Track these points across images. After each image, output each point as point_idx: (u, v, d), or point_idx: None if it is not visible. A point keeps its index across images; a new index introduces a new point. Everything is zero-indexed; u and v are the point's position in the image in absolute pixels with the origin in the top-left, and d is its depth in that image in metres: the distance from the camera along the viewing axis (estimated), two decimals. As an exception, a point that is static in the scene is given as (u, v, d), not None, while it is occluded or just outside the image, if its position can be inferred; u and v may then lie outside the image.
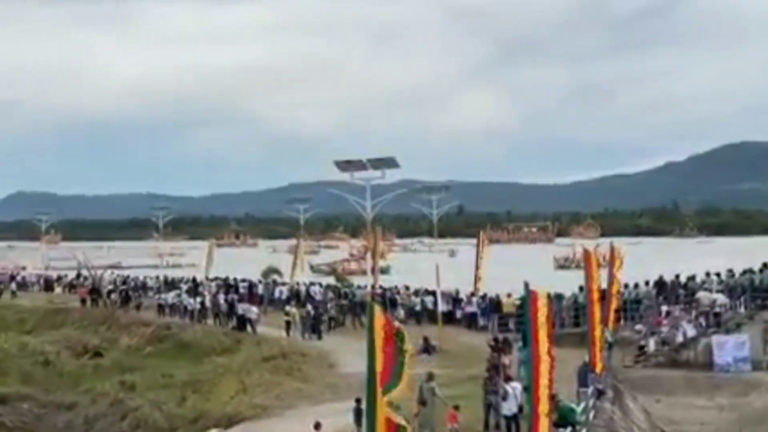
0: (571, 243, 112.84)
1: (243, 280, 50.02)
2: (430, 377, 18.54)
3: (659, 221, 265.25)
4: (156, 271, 63.19)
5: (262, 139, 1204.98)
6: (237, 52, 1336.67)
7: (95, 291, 50.15)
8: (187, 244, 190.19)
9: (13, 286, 59.28)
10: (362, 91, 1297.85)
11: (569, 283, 35.85)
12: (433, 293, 37.71)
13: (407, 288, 42.79)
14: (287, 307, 39.35)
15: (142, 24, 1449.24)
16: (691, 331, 27.76)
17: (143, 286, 54.46)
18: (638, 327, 30.14)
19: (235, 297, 42.80)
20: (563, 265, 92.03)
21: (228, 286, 48.36)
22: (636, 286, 33.22)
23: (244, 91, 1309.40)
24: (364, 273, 54.23)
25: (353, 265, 78.37)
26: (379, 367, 9.00)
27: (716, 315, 28.63)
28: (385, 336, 9.08)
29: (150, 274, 59.31)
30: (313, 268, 64.78)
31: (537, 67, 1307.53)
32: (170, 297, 45.66)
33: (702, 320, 28.50)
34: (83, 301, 49.75)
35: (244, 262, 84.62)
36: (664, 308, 31.04)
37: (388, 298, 41.01)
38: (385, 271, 60.04)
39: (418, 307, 39.62)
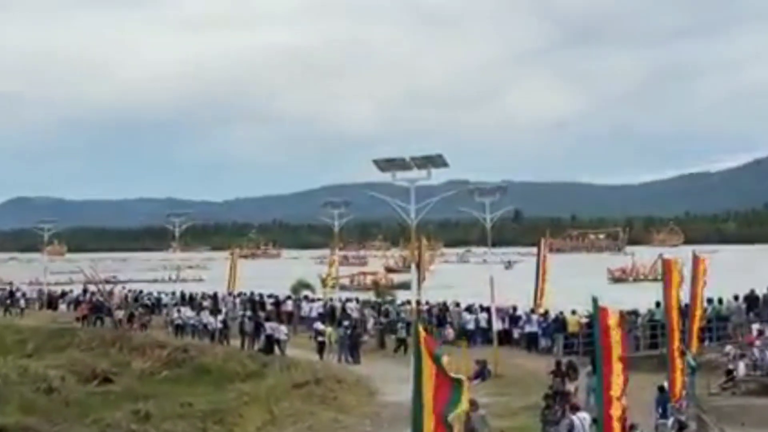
0: (631, 252, 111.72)
1: (270, 296, 50.18)
2: (474, 405, 18.34)
3: (747, 226, 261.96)
4: (163, 285, 63.71)
5: (293, 137, 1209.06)
6: (269, 38, 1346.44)
7: (96, 308, 50.74)
8: (200, 255, 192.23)
9: (22, 302, 59.78)
10: (407, 82, 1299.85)
11: (624, 299, 35.57)
12: (488, 310, 37.49)
13: (457, 304, 42.63)
14: (320, 326, 39.33)
15: (160, 6, 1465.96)
16: (787, 354, 27.29)
17: (158, 303, 54.89)
18: (726, 349, 29.66)
19: (262, 315, 42.91)
20: (619, 278, 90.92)
21: (253, 302, 48.51)
22: (721, 301, 32.76)
23: (273, 83, 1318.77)
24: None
25: (369, 280, 77.88)
26: (428, 394, 8.88)
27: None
28: (432, 359, 8.97)
29: (165, 289, 59.75)
30: (324, 283, 65.02)
31: (604, 51, 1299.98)
32: (188, 315, 45.92)
33: (801, 340, 28.03)
34: (82, 319, 50.39)
35: (273, 274, 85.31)
36: (756, 326, 30.55)
37: (435, 315, 40.87)
38: (404, 286, 59.57)
39: (470, 326, 39.45)
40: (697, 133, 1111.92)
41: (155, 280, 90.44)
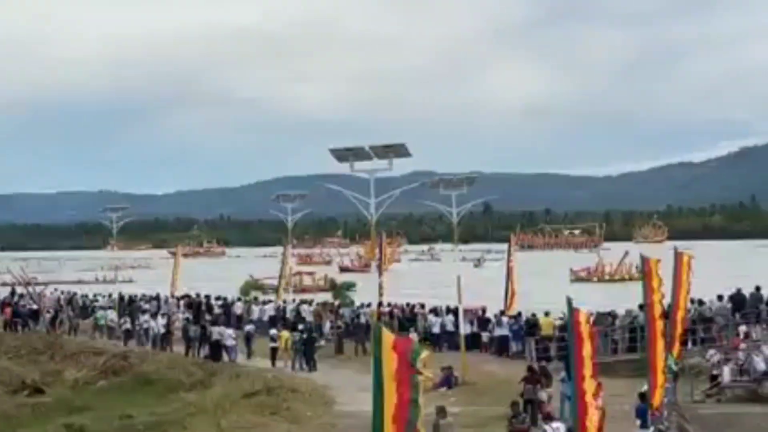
0: (598, 251, 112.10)
1: (217, 298, 50.07)
2: (442, 412, 18.44)
3: (734, 220, 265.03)
4: (94, 287, 63.33)
5: (243, 124, 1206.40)
6: (219, 14, 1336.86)
7: (21, 313, 50.62)
8: (138, 254, 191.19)
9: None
10: (369, 64, 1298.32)
11: (586, 300, 35.80)
12: (455, 312, 37.69)
13: (422, 306, 42.78)
14: (273, 331, 39.31)
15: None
16: (775, 357, 27.61)
17: (93, 306, 54.57)
18: (710, 352, 29.99)
19: (208, 318, 42.82)
20: (582, 277, 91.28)
21: (199, 305, 48.39)
22: (701, 303, 33.09)
23: (222, 64, 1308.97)
24: (321, 291, 53.83)
25: (307, 280, 77.64)
26: (390, 403, 8.91)
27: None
28: (398, 362, 8.98)
29: (102, 291, 59.47)
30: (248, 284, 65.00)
31: (585, 30, 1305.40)
32: (112, 318, 46.05)
33: (790, 343, 28.37)
34: (9, 324, 50.55)
35: (218, 275, 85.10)
36: (743, 328, 30.89)
37: (398, 318, 41.00)
38: (348, 288, 59.38)
39: (436, 329, 39.62)
40: (682, 121, 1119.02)
41: (80, 281, 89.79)
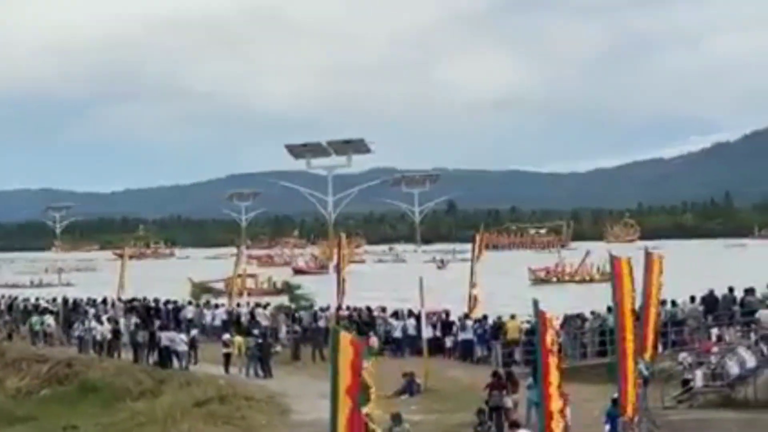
0: (558, 250, 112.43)
1: (167, 302, 49.85)
2: (397, 418, 18.49)
3: (707, 218, 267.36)
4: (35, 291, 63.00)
5: (195, 118, 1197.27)
6: (168, 2, 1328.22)
7: None
8: (83, 255, 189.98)
9: None
10: (325, 54, 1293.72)
11: (544, 302, 36.13)
12: (417, 315, 37.74)
13: (383, 309, 42.81)
14: (226, 336, 39.20)
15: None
16: (750, 361, 27.83)
17: (35, 310, 54.08)
18: (682, 356, 30.23)
19: (157, 323, 42.66)
20: (542, 278, 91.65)
21: (147, 309, 48.18)
22: (674, 304, 33.35)
23: (173, 54, 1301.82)
24: (266, 294, 53.57)
25: (250, 283, 77.29)
26: (344, 411, 8.96)
27: (783, 339, 28.77)
28: (352, 368, 9.02)
29: (39, 295, 59.16)
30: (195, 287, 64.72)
31: (552, 20, 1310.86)
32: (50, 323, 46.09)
33: (764, 347, 28.63)
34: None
35: (168, 277, 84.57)
36: (715, 331, 31.13)
37: (357, 321, 41.01)
38: (293, 290, 59.06)
39: (397, 334, 39.64)
40: (650, 116, 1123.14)
41: (15, 285, 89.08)
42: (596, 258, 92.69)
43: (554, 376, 12.85)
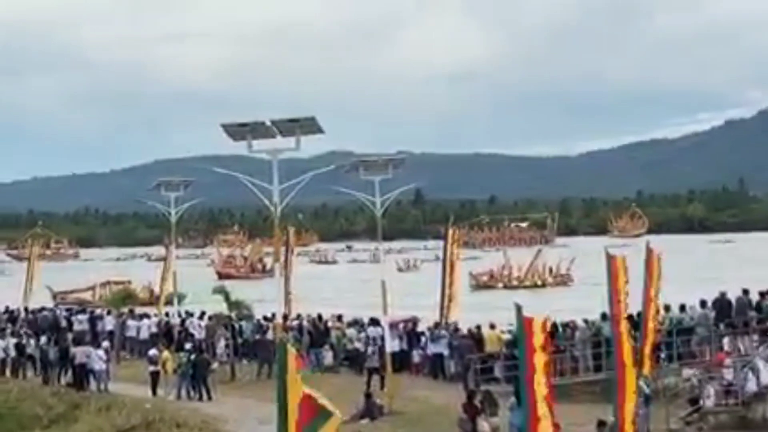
0: (505, 251, 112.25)
1: (82, 311, 49.54)
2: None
3: (718, 209, 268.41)
4: None
5: (114, 94, 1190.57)
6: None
7: None
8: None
9: None
10: (267, 18, 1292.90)
11: (488, 310, 36.20)
12: (377, 324, 37.75)
13: (339, 318, 42.78)
14: (152, 351, 39.02)
15: None
16: (767, 375, 28.04)
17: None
18: (689, 371, 30.40)
19: (69, 337, 42.40)
20: (484, 284, 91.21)
21: (57, 320, 47.92)
22: (683, 308, 33.47)
23: (84, 19, 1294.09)
24: (143, 304, 53.21)
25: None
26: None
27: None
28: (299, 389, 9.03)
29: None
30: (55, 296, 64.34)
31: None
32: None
33: (785, 358, 28.82)
34: None
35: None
36: (728, 341, 31.31)
37: (309, 332, 40.97)
38: (180, 299, 58.33)
39: (356, 346, 39.58)
40: (650, 88, 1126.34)
41: None
42: (550, 258, 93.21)
43: (540, 394, 12.85)
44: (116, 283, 73.28)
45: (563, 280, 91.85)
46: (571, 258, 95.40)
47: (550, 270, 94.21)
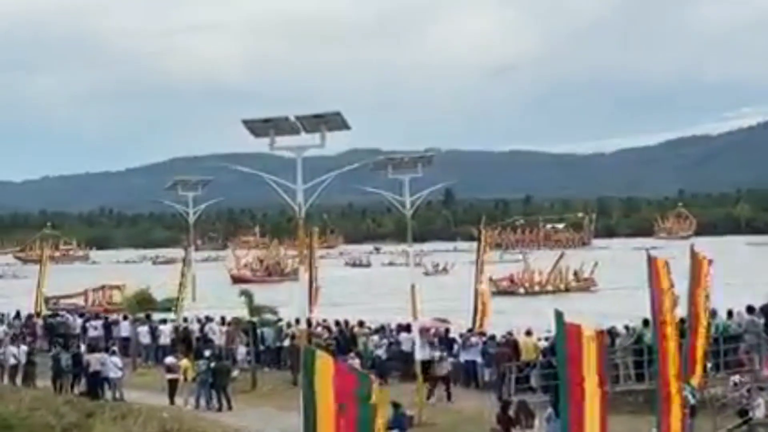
0: (525, 255, 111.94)
1: (97, 316, 49.65)
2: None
3: (766, 209, 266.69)
4: None
5: (129, 89, 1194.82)
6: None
7: None
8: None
9: None
10: (289, 9, 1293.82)
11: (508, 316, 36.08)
12: (408, 330, 37.66)
13: (361, 324, 42.66)
14: (170, 359, 39.07)
15: None
16: (819, 385, 27.92)
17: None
18: (736, 379, 30.24)
19: (83, 343, 42.50)
20: (506, 289, 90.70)
21: (68, 326, 48.09)
22: (731, 314, 33.29)
23: (99, 12, 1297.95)
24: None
25: (117, 297, 76.48)
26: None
27: None
28: (336, 395, 8.93)
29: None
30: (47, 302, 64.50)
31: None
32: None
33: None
34: None
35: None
36: (777, 348, 31.17)
37: (335, 338, 40.89)
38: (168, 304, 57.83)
39: (381, 353, 39.47)
40: (692, 82, 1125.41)
41: None
42: (573, 261, 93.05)
43: (591, 407, 12.72)
44: (111, 287, 73.59)
45: (587, 285, 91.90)
46: (594, 262, 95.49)
47: (574, 274, 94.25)
